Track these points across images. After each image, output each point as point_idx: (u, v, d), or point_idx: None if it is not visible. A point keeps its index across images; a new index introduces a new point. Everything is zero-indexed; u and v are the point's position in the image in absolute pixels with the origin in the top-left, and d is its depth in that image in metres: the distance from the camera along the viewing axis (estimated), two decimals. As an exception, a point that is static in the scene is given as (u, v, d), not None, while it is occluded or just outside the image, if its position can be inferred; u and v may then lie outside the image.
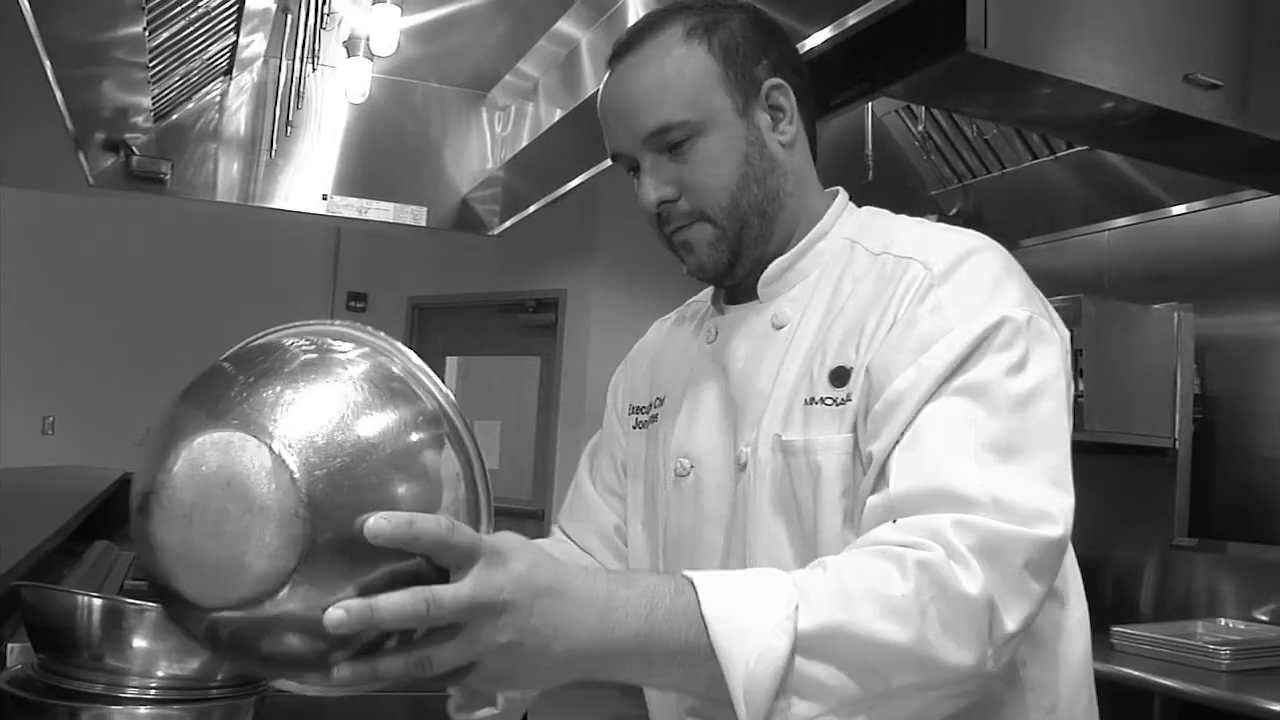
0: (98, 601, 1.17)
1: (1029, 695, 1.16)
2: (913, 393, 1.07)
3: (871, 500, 1.07)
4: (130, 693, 1.14)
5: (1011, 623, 0.98)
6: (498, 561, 0.86)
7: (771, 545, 1.18)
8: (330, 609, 0.79)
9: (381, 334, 0.96)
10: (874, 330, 1.14)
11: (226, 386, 0.88)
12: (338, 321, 0.95)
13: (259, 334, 0.95)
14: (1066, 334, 1.17)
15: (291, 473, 0.81)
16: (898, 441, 1.07)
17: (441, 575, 0.84)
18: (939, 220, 3.98)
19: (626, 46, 1.24)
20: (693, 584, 0.94)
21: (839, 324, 1.19)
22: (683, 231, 1.24)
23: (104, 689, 1.15)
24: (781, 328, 1.25)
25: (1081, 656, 1.25)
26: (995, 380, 1.07)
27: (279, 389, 0.85)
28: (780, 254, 1.27)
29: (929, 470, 1.03)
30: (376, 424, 0.86)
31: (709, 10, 1.24)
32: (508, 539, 0.89)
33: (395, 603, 0.80)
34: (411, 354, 0.93)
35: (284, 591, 0.80)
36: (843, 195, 1.32)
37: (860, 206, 1.33)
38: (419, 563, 0.83)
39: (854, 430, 1.13)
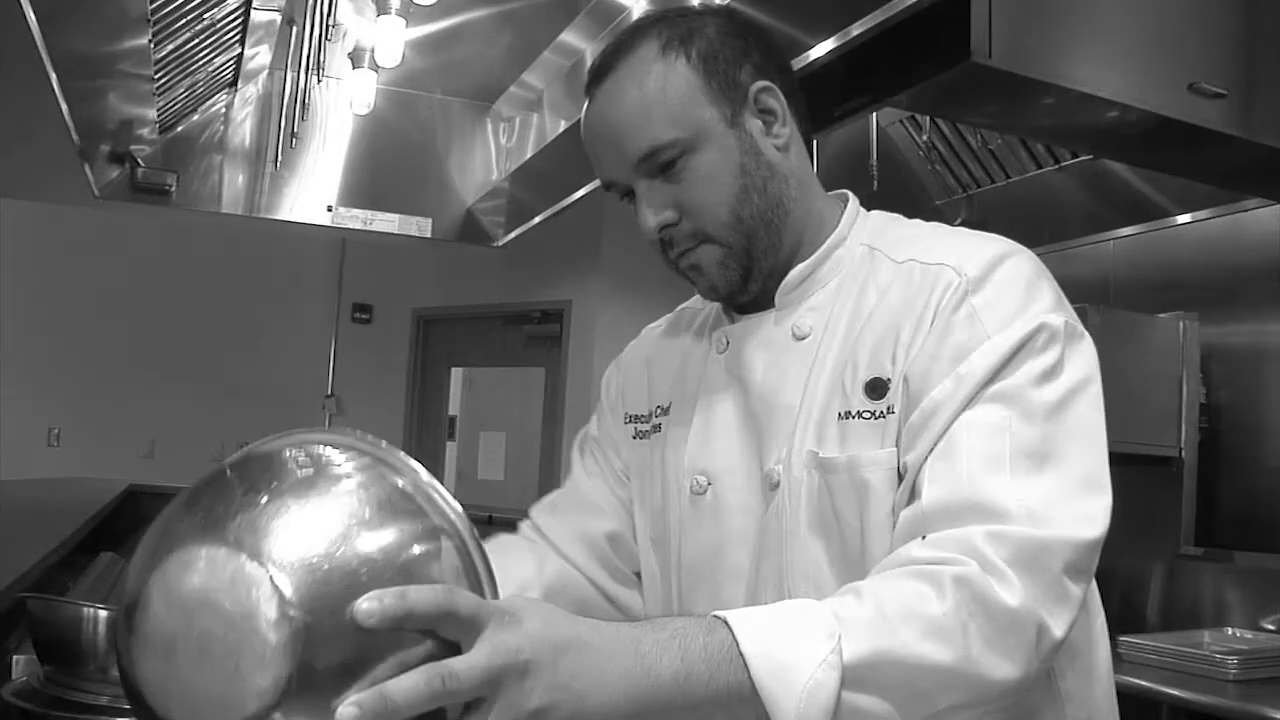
0: (103, 613, 1.17)
1: (1066, 707, 1.15)
2: (949, 402, 1.05)
3: (904, 513, 1.04)
4: (135, 704, 1.14)
5: (1058, 629, 0.97)
6: (509, 623, 0.81)
7: (811, 568, 1.14)
8: (340, 708, 0.73)
9: (384, 443, 0.89)
10: (910, 338, 1.11)
11: (222, 495, 0.83)
12: (340, 431, 0.90)
13: (262, 441, 0.90)
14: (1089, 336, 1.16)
15: (271, 575, 0.76)
16: (931, 451, 1.05)
17: (453, 652, 0.79)
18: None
19: (602, 71, 1.19)
20: (726, 622, 0.90)
21: (867, 335, 1.15)
22: (689, 254, 1.19)
23: (109, 701, 1.15)
24: (804, 338, 1.20)
25: (1107, 665, 1.24)
26: (1030, 387, 1.05)
27: (272, 502, 0.81)
28: (791, 260, 1.23)
29: (962, 481, 1.01)
30: (371, 533, 0.81)
31: (682, 20, 1.19)
32: (515, 600, 0.85)
33: (408, 685, 0.74)
34: (412, 462, 0.88)
35: (286, 703, 0.75)
36: (853, 200, 1.29)
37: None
38: (428, 646, 0.78)
39: (898, 444, 1.10)
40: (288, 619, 0.75)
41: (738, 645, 0.88)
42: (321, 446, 0.87)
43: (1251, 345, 3.36)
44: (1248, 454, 3.32)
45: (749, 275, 1.20)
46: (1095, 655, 1.20)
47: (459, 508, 0.86)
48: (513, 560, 1.29)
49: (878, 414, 1.11)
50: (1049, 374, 1.06)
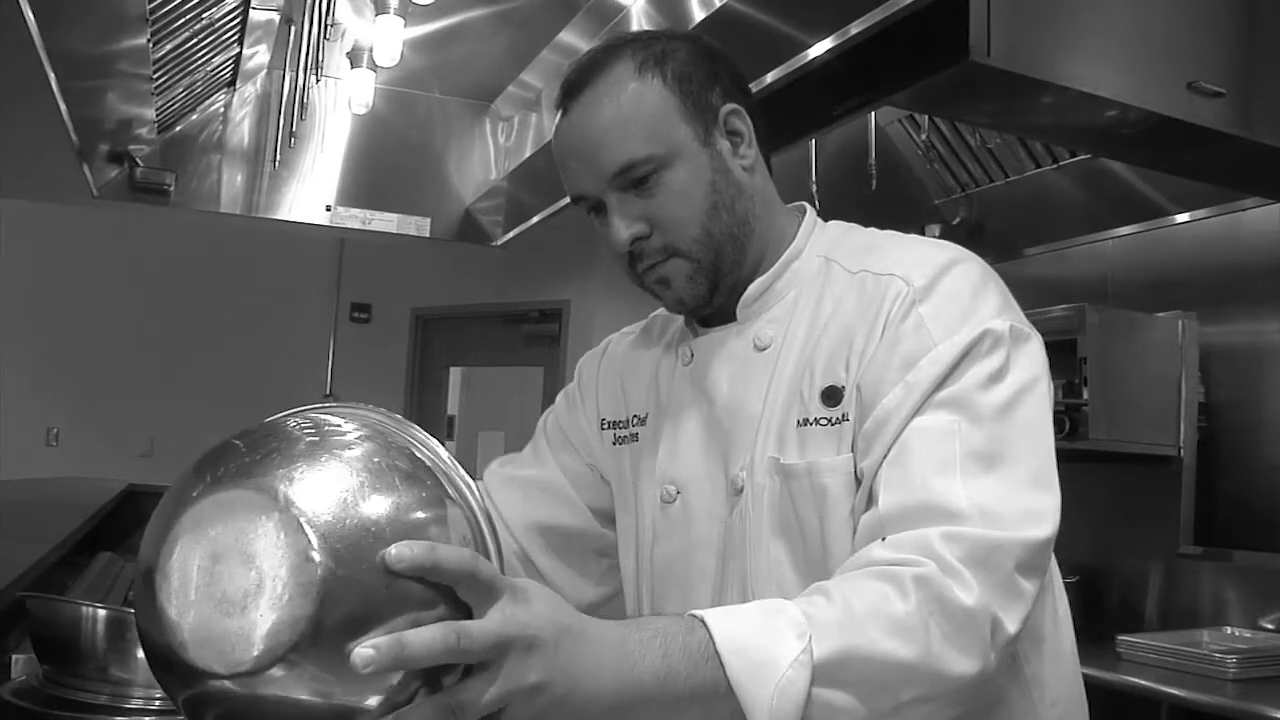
0: (103, 613, 1.17)
1: (1033, 691, 1.18)
2: (899, 410, 1.10)
3: (864, 518, 1.09)
4: (135, 704, 1.14)
5: (1011, 625, 1.01)
6: (521, 599, 0.85)
7: (774, 568, 1.19)
8: (358, 649, 0.75)
9: (383, 410, 0.94)
10: (863, 347, 1.16)
11: (231, 457, 0.85)
12: (342, 404, 0.93)
13: (266, 418, 0.92)
14: (1038, 336, 1.19)
15: (299, 517, 0.78)
16: (885, 458, 1.09)
17: (465, 618, 0.82)
18: (941, 229, 3.99)
19: (578, 86, 1.22)
20: (703, 621, 0.94)
21: (824, 343, 1.20)
22: (658, 268, 1.23)
23: (108, 700, 1.15)
24: (764, 349, 1.25)
25: (1071, 647, 1.27)
26: (976, 390, 1.09)
27: (285, 457, 0.83)
28: (754, 275, 1.27)
29: (916, 485, 1.05)
30: (384, 489, 0.83)
31: (656, 42, 1.23)
32: (526, 581, 0.88)
33: (425, 636, 0.77)
34: (418, 429, 0.92)
35: (301, 645, 0.76)
36: (810, 212, 1.33)
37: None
38: (441, 610, 0.80)
39: (854, 449, 1.14)
40: (312, 562, 0.77)
41: (714, 645, 0.92)
42: (339, 418, 0.90)
43: (1250, 344, 3.36)
44: (1247, 453, 3.33)
45: (715, 289, 1.24)
46: (1060, 640, 1.23)
47: (472, 481, 0.90)
48: None
49: (834, 420, 1.16)
50: (994, 377, 1.10)
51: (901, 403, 1.10)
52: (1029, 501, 1.06)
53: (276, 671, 0.77)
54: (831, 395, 1.17)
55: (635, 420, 1.38)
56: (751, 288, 1.27)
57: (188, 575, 0.79)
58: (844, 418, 1.15)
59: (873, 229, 1.31)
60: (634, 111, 1.18)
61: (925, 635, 0.96)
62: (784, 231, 1.30)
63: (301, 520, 0.78)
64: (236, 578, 0.78)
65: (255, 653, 0.76)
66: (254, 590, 0.77)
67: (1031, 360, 1.14)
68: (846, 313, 1.19)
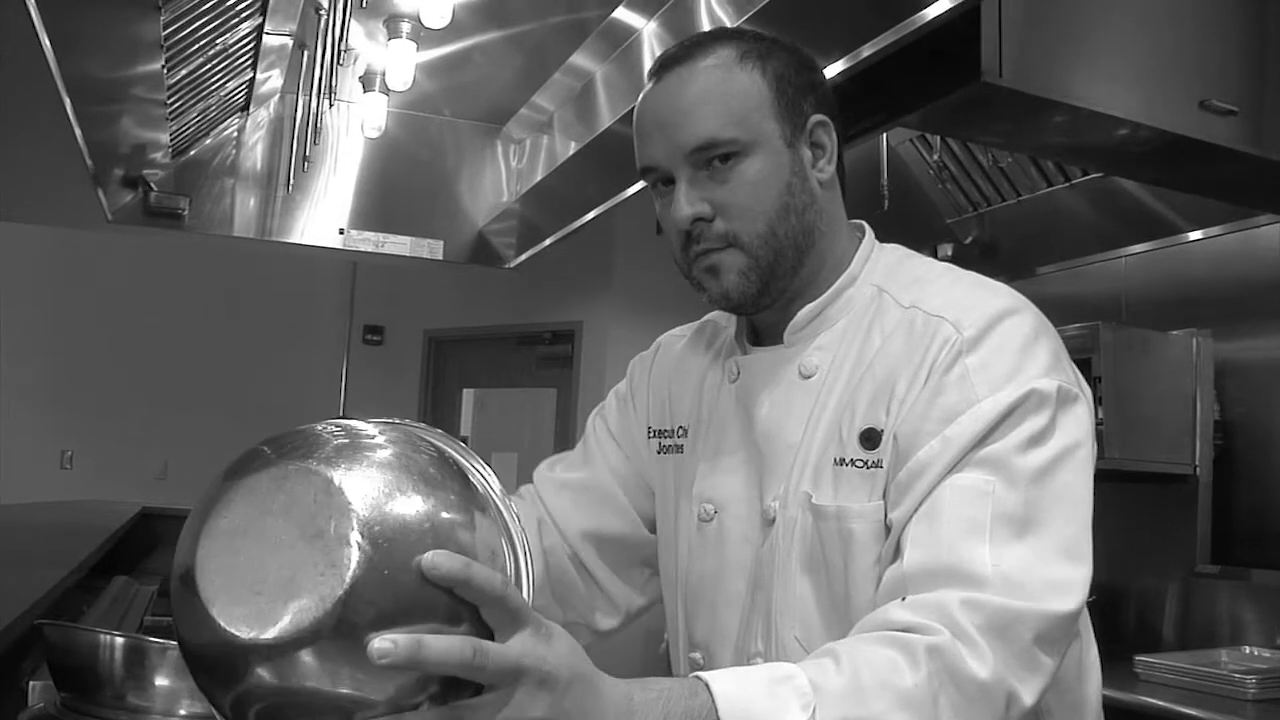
0: (120, 640, 1.17)
1: None
2: (935, 464, 1.07)
3: (888, 572, 1.07)
4: (153, 731, 1.14)
5: (1028, 697, 0.99)
6: (544, 634, 0.84)
7: (799, 604, 1.17)
8: (376, 640, 0.75)
9: (423, 425, 0.95)
10: (905, 393, 1.13)
11: (261, 455, 0.85)
12: (373, 420, 0.93)
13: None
14: (1089, 394, 1.17)
15: (348, 501, 0.79)
16: (916, 511, 1.07)
17: (487, 639, 0.82)
18: (953, 249, 3.99)
19: (676, 59, 1.22)
20: (708, 686, 0.92)
21: (867, 382, 1.17)
22: (712, 255, 1.20)
23: (126, 727, 1.15)
24: (809, 378, 1.23)
25: (1097, 699, 1.25)
26: (1016, 453, 1.06)
27: (322, 450, 0.84)
28: (804, 292, 1.25)
29: (943, 545, 1.03)
30: (428, 494, 0.83)
31: (761, 40, 1.23)
32: (552, 623, 0.87)
33: (444, 643, 0.77)
34: (460, 444, 0.93)
35: (324, 627, 0.76)
36: (869, 235, 1.30)
37: (882, 241, 1.32)
38: (465, 627, 0.81)
39: (885, 497, 1.12)
40: (353, 544, 0.78)
41: (716, 712, 0.90)
42: (375, 426, 0.90)
43: (1265, 361, 3.35)
44: (1263, 470, 3.31)
45: (765, 291, 1.21)
46: (1085, 689, 1.22)
47: (507, 498, 0.92)
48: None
49: (869, 464, 1.14)
50: (1036, 439, 1.07)
51: (938, 456, 1.07)
52: (1057, 572, 1.03)
53: (296, 647, 0.77)
54: (870, 438, 1.14)
55: (680, 431, 1.37)
56: (801, 313, 1.25)
57: (230, 539, 0.80)
58: (879, 463, 1.13)
59: (931, 260, 1.29)
60: (727, 92, 1.18)
61: (934, 709, 0.95)
62: (843, 254, 1.27)
63: (347, 503, 0.79)
64: (280, 547, 0.79)
65: (280, 624, 0.77)
66: (293, 561, 0.78)
67: (1077, 423, 1.11)
68: (893, 352, 1.17)
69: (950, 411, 1.09)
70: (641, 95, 1.25)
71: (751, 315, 1.29)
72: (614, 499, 1.44)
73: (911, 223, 4.02)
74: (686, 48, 1.22)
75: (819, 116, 1.22)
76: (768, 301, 1.23)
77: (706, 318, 1.45)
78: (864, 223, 1.32)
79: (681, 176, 1.19)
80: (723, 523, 1.26)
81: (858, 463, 1.14)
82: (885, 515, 1.11)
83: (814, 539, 1.16)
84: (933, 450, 1.08)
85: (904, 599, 1.01)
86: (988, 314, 1.14)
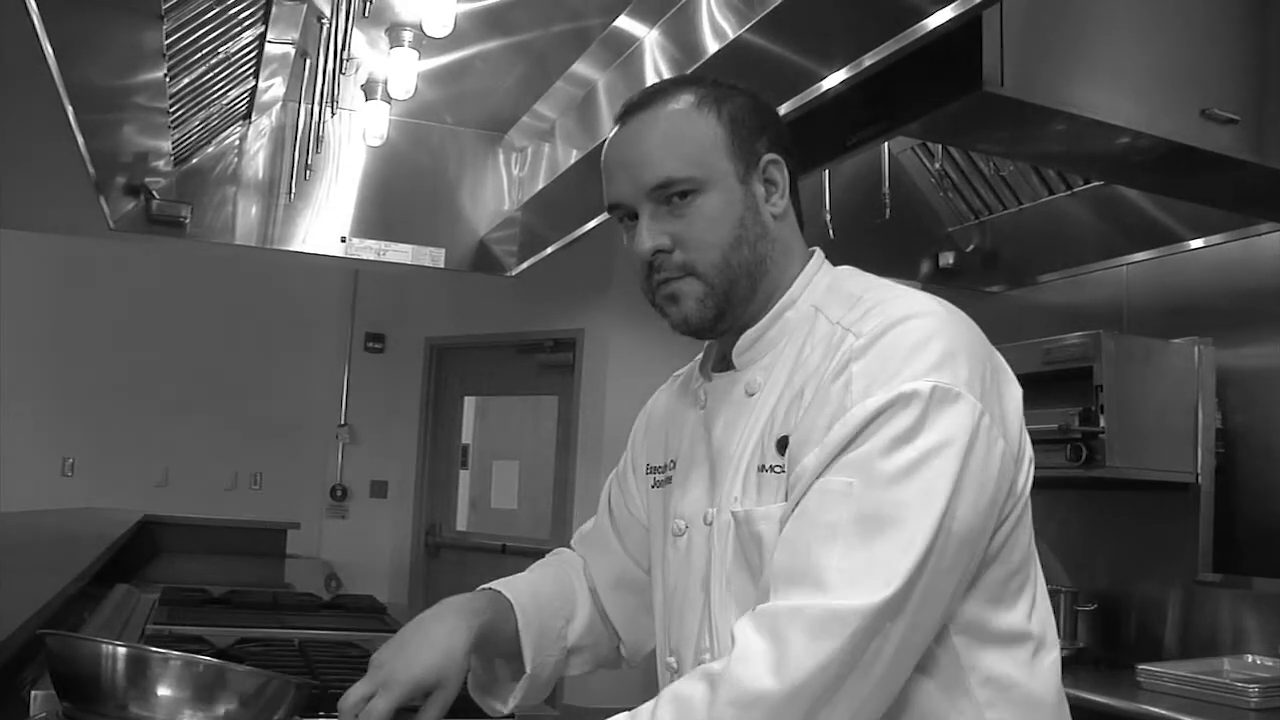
0: (122, 650, 1.17)
1: None
2: (810, 470, 1.14)
3: (768, 569, 1.15)
4: (154, 740, 1.14)
5: (841, 695, 1.05)
6: None
7: (733, 602, 1.25)
8: None
9: None
10: (808, 401, 1.20)
11: None
12: None
13: None
14: (1017, 391, 1.22)
15: None
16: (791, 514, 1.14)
17: None
18: (955, 257, 3.99)
19: (639, 105, 1.32)
20: None
21: (788, 393, 1.25)
22: (672, 283, 1.30)
23: (128, 737, 1.15)
24: (752, 395, 1.31)
25: (1051, 690, 1.26)
26: (879, 454, 1.11)
27: None
28: (758, 317, 1.33)
29: (799, 549, 1.10)
30: None
31: (718, 86, 1.33)
32: None
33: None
34: None
35: None
36: (816, 258, 1.38)
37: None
38: None
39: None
40: None
41: None
42: None
43: (1267, 369, 3.35)
44: (1265, 479, 3.31)
45: (721, 317, 1.31)
46: (1033, 686, 1.23)
47: None
48: (574, 603, 1.53)
49: (780, 469, 1.22)
50: (900, 440, 1.11)
51: (815, 463, 1.14)
52: (895, 565, 1.07)
53: None
54: (782, 445, 1.22)
55: (670, 465, 1.45)
56: (744, 337, 1.34)
57: None
58: (785, 467, 1.21)
59: (873, 278, 1.34)
60: (683, 135, 1.28)
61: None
62: (793, 279, 1.35)
63: None
64: None
65: None
66: None
67: (952, 422, 1.12)
68: (811, 363, 1.24)
69: (830, 418, 1.15)
70: (608, 139, 1.35)
71: (710, 339, 1.40)
72: (640, 552, 1.55)
73: (913, 231, 4.02)
74: (649, 94, 1.33)
75: (771, 155, 1.32)
76: (725, 327, 1.33)
77: (692, 362, 1.53)
78: (817, 249, 1.40)
79: (644, 212, 1.29)
80: (690, 536, 1.34)
81: (775, 468, 1.23)
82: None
83: (737, 541, 1.25)
84: (815, 457, 1.15)
85: (754, 608, 1.10)
86: (884, 321, 1.19)
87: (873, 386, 1.13)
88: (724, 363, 1.39)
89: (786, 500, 1.18)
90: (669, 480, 1.44)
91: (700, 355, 1.50)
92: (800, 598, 1.06)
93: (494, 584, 1.44)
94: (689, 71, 2.59)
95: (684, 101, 1.30)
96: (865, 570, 1.06)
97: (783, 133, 1.36)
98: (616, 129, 1.34)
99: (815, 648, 1.03)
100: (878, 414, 1.12)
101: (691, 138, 1.28)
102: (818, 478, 1.13)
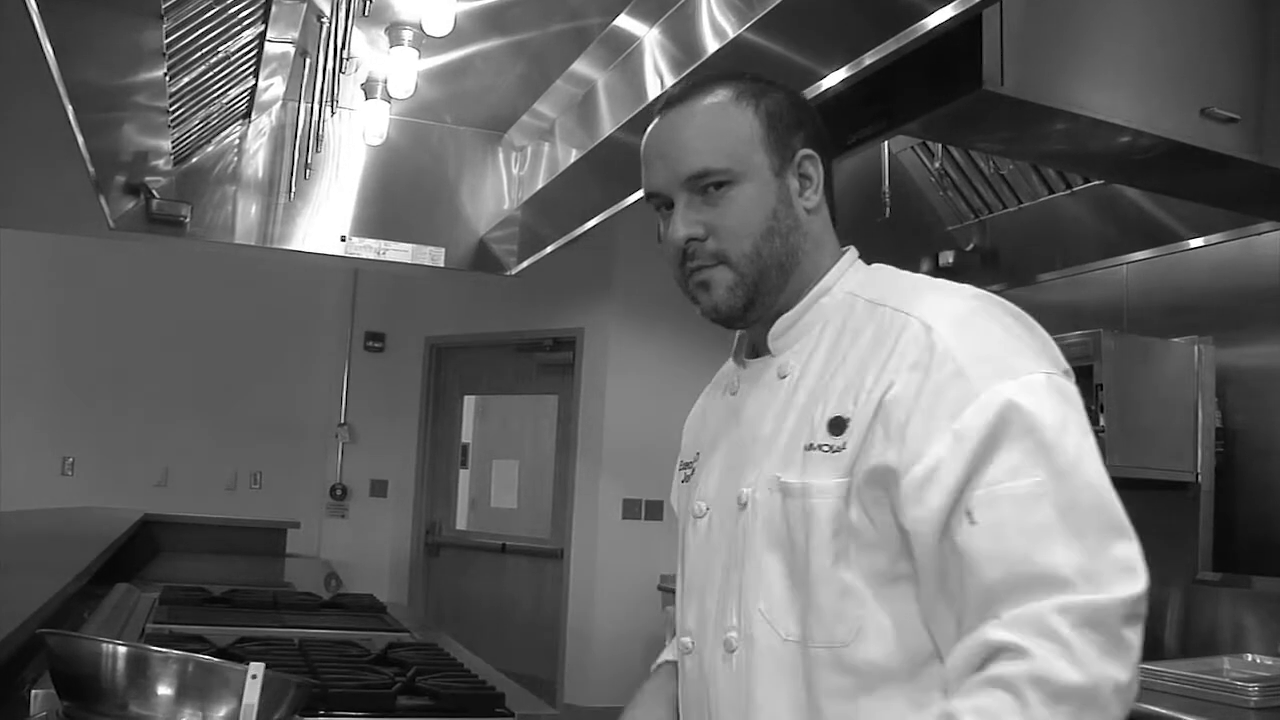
0: (123, 649, 1.17)
1: None
2: (953, 460, 1.12)
3: (970, 588, 1.11)
4: (155, 739, 1.14)
5: (1124, 675, 1.06)
6: None
7: (765, 579, 1.26)
8: None
9: None
10: (872, 385, 1.21)
11: None
12: None
13: None
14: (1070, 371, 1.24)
15: None
16: (952, 513, 1.12)
17: None
18: (954, 255, 3.99)
19: (679, 98, 1.36)
20: None
21: (840, 375, 1.26)
22: (704, 271, 1.33)
23: (128, 736, 1.15)
24: (784, 378, 1.33)
25: None
26: (1055, 445, 1.11)
27: None
28: (789, 306, 1.36)
29: (1018, 557, 1.08)
30: None
31: (757, 82, 1.37)
32: None
33: None
34: None
35: None
36: (851, 253, 1.41)
37: (872, 257, 1.41)
38: None
39: (848, 476, 1.20)
40: None
41: None
42: None
43: (1267, 368, 3.35)
44: (1265, 478, 3.31)
45: (750, 306, 1.34)
46: None
47: None
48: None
49: (835, 448, 1.22)
50: (1061, 429, 1.13)
51: (953, 452, 1.12)
52: (1120, 553, 1.10)
53: None
54: (837, 425, 1.23)
55: (697, 457, 1.47)
56: (779, 322, 1.36)
57: None
58: (844, 447, 1.21)
59: (907, 273, 1.37)
60: (720, 128, 1.32)
61: None
62: (826, 272, 1.38)
63: None
64: None
65: None
66: None
67: (1077, 405, 1.17)
68: (863, 345, 1.26)
69: (954, 406, 1.14)
70: (648, 129, 1.38)
71: (740, 329, 1.42)
72: None
73: (913, 230, 4.02)
74: (688, 88, 1.37)
75: (807, 151, 1.35)
76: (754, 316, 1.36)
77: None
78: (851, 246, 1.42)
79: (679, 201, 1.33)
80: (711, 518, 1.37)
81: (825, 447, 1.23)
82: (848, 493, 1.20)
83: (780, 517, 1.25)
84: (946, 444, 1.13)
85: (999, 616, 1.07)
86: (957, 308, 1.23)
87: (989, 373, 1.15)
88: (754, 352, 1.42)
89: (848, 477, 1.19)
90: (694, 471, 1.47)
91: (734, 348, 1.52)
92: (1050, 600, 1.05)
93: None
94: (688, 71, 2.59)
95: (722, 95, 1.34)
96: (1092, 560, 1.07)
97: (820, 130, 1.39)
98: (656, 120, 1.38)
99: (1096, 640, 1.04)
100: (1017, 407, 1.12)
101: (728, 130, 1.32)
102: (986, 469, 1.11)
